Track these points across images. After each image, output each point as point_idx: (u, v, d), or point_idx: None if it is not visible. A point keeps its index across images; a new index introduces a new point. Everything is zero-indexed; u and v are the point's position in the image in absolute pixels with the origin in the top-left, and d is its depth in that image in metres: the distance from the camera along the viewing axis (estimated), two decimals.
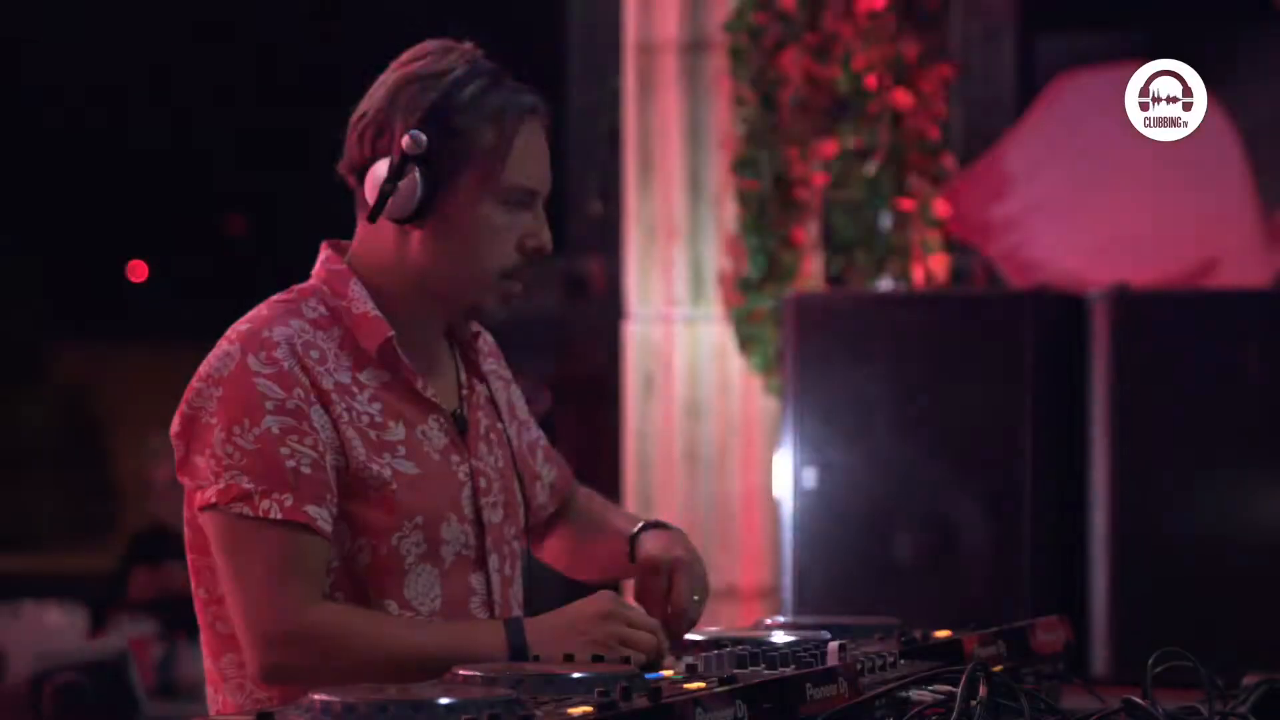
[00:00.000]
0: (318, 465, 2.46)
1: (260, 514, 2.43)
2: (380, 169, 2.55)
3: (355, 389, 2.54)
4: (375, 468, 2.51)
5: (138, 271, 12.08)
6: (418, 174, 2.52)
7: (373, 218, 2.56)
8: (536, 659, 2.40)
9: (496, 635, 2.45)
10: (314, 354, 2.52)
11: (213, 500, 2.45)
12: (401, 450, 2.54)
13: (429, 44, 2.61)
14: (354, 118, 2.59)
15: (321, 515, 2.46)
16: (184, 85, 9.70)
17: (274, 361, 2.48)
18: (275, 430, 2.45)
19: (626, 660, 2.38)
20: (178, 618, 6.96)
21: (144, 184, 10.65)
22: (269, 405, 2.46)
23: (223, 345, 2.51)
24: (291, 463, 2.45)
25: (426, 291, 2.60)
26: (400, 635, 2.46)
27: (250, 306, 2.59)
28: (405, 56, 2.60)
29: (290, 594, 2.43)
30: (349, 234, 2.67)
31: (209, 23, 9.30)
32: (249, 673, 2.49)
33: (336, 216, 2.73)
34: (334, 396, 2.51)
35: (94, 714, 6.67)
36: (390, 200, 2.54)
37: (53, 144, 10.64)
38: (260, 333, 2.50)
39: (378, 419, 2.54)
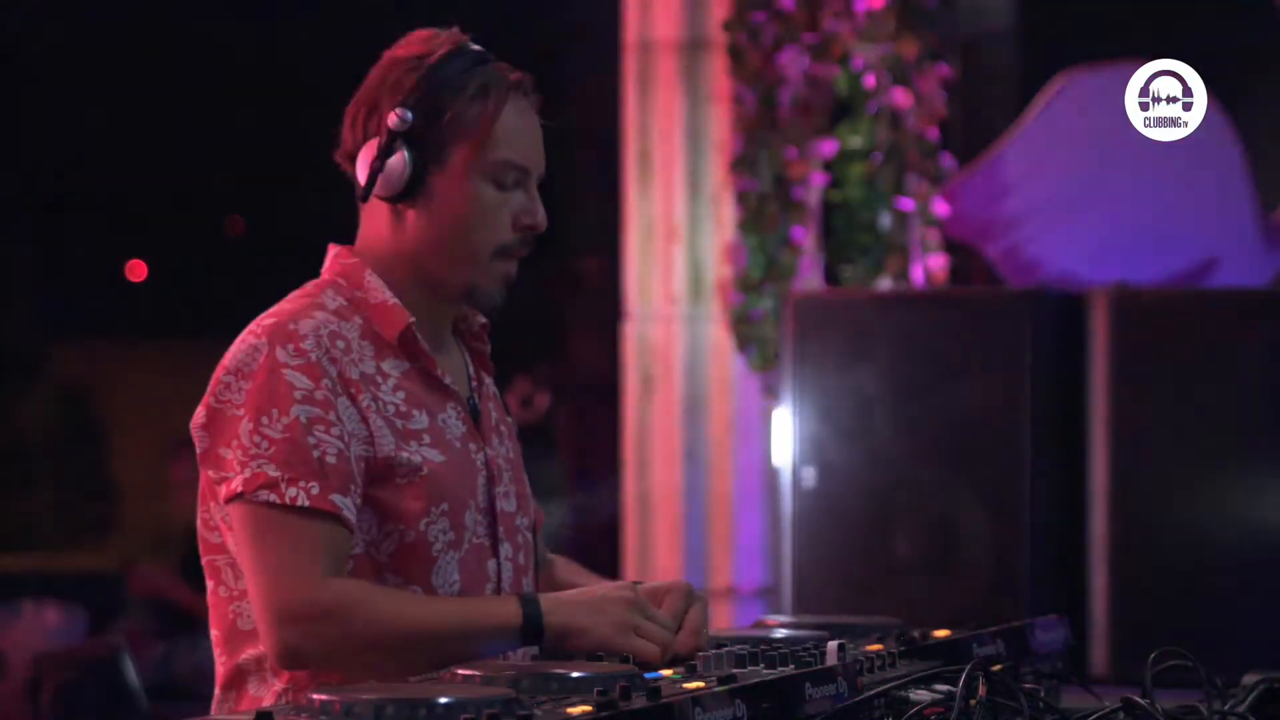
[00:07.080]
0: (343, 456, 2.46)
1: (287, 501, 2.43)
2: (370, 149, 2.57)
3: (379, 379, 2.55)
4: (406, 455, 2.52)
5: (137, 271, 12.06)
6: (405, 152, 2.55)
7: (364, 197, 2.59)
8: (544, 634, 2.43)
9: (512, 609, 2.45)
10: (340, 344, 2.53)
11: (239, 490, 2.44)
12: (427, 439, 2.55)
13: (418, 32, 2.64)
14: (348, 108, 2.62)
15: (347, 505, 2.46)
16: (183, 84, 9.69)
17: (302, 353, 2.49)
18: (303, 420, 2.45)
19: (625, 659, 2.39)
20: (177, 618, 6.96)
21: (144, 183, 10.64)
22: (297, 395, 2.46)
23: (248, 340, 2.52)
24: (318, 452, 2.45)
25: (425, 274, 2.61)
26: (417, 608, 2.47)
27: (250, 306, 2.60)
28: (395, 45, 2.63)
29: (310, 571, 2.43)
30: (349, 237, 2.68)
31: (210, 22, 9.30)
32: (267, 657, 2.47)
33: (336, 217, 2.74)
34: (361, 386, 2.52)
35: (93, 714, 6.67)
36: (380, 178, 2.56)
37: (52, 142, 10.64)
38: (286, 325, 2.51)
39: (402, 408, 2.55)
